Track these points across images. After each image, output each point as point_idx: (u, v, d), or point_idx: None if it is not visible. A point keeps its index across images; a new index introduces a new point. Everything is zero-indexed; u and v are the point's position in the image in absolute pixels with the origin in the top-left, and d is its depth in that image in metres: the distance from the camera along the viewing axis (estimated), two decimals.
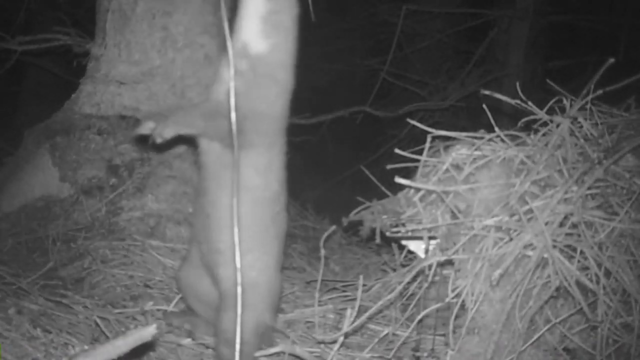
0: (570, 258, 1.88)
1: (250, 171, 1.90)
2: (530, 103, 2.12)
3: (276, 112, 1.96)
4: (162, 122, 1.85)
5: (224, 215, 1.82)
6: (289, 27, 1.95)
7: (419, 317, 2.01)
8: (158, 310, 2.35)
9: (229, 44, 1.53)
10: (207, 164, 1.98)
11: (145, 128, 1.90)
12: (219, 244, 1.93)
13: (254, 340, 1.98)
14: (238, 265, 1.42)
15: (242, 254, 1.55)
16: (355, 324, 1.91)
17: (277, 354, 2.08)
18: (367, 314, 1.93)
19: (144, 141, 1.96)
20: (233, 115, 1.46)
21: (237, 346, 1.44)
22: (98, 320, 2.11)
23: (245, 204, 1.77)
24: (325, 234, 2.16)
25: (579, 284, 1.86)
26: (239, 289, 1.43)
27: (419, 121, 2.20)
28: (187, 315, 2.26)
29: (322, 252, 2.12)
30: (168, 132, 1.84)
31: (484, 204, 1.97)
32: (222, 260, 1.94)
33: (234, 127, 1.48)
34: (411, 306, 2.25)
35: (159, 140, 1.83)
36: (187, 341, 2.18)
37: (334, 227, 2.25)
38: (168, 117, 1.88)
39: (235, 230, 1.42)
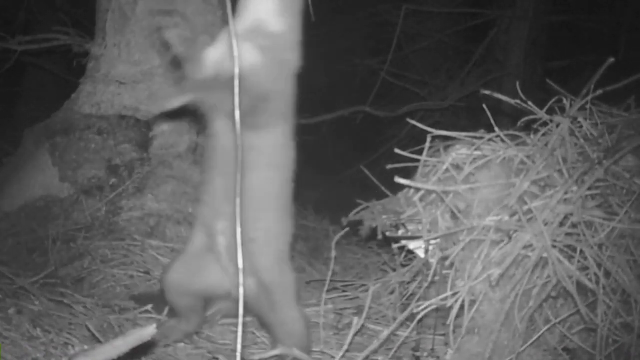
0: (570, 258, 1.88)
1: (271, 150, 1.99)
2: (530, 103, 2.12)
3: (290, 91, 2.01)
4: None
5: (256, 201, 1.88)
6: (300, 7, 1.99)
7: (419, 317, 2.01)
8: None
9: (231, 23, 1.51)
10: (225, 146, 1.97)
11: None
12: (255, 232, 1.94)
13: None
14: (240, 266, 1.41)
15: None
16: (355, 324, 1.92)
17: (276, 357, 2.08)
18: (366, 314, 1.93)
19: None
20: (236, 99, 1.44)
21: (239, 347, 1.44)
22: (91, 327, 2.09)
23: (272, 182, 1.99)
24: (336, 238, 2.22)
25: (578, 284, 1.86)
26: (241, 289, 1.42)
27: (419, 121, 2.20)
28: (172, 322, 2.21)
29: (333, 253, 2.19)
30: (176, 100, 1.88)
31: (484, 204, 1.97)
32: (257, 250, 1.97)
33: (236, 110, 1.46)
34: (411, 306, 2.25)
35: (167, 107, 1.89)
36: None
37: (346, 229, 2.27)
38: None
39: (238, 224, 1.41)
